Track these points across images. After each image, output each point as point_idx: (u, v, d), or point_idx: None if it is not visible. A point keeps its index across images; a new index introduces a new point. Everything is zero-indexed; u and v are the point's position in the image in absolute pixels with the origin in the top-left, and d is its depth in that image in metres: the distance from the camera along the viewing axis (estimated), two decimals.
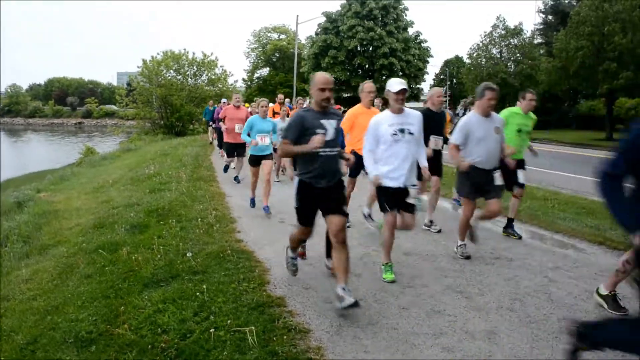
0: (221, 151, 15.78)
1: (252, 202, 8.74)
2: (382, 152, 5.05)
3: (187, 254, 5.71)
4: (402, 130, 5.00)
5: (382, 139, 5.02)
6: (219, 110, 16.33)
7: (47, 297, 5.07)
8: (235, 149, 11.06)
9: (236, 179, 11.51)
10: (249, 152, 8.81)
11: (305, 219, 4.65)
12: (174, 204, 8.47)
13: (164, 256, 5.73)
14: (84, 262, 5.94)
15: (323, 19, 41.76)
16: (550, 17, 47.84)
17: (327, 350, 3.68)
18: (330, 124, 4.45)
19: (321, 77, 4.46)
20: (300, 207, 4.61)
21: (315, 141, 4.29)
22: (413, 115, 5.17)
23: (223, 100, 17.72)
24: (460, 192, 5.97)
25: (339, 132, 4.56)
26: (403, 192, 5.11)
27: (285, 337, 3.82)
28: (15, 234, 8.24)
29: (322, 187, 4.45)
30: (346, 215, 4.58)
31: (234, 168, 11.73)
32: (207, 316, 4.18)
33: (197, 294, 4.61)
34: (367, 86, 6.80)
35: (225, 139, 11.14)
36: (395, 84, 4.98)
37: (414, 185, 5.37)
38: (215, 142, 19.16)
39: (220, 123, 13.83)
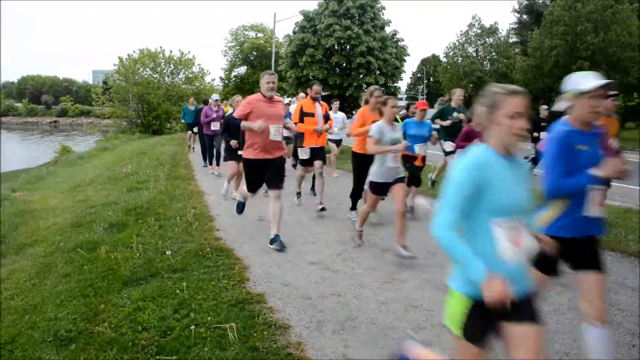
0: (211, 167, 13.01)
1: None
2: None
3: (166, 252, 5.72)
4: None
5: None
6: (208, 110, 12.58)
7: (25, 297, 5.02)
8: (263, 171, 6.29)
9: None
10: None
11: None
12: (152, 202, 8.44)
13: (143, 254, 5.72)
14: (62, 261, 5.89)
15: (300, 18, 41.66)
16: (525, 16, 48.47)
17: (307, 346, 3.73)
18: None
19: None
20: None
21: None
22: None
23: (214, 97, 12.91)
24: None
25: None
26: None
27: (265, 333, 3.86)
28: None
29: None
30: None
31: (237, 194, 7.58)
32: (187, 313, 4.20)
33: (177, 291, 4.63)
34: None
35: (246, 153, 6.29)
36: None
37: None
38: (197, 149, 16.05)
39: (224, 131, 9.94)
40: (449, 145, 8.60)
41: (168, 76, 36.21)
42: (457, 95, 8.91)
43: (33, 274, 5.67)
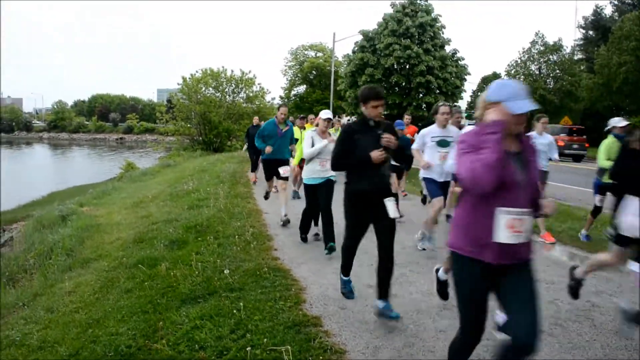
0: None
1: None
2: None
3: (225, 271, 5.76)
4: None
5: None
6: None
7: (89, 310, 5.18)
8: None
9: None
10: None
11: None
12: (211, 220, 8.57)
13: (202, 272, 5.79)
14: (124, 276, 6.06)
15: (360, 37, 41.91)
16: (590, 32, 47.03)
17: None
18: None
19: None
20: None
21: None
22: None
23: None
24: None
25: None
26: None
27: (321, 357, 3.81)
28: (59, 247, 8.47)
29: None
30: None
31: None
32: (243, 334, 4.20)
33: (234, 311, 4.64)
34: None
35: None
36: None
37: None
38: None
39: None
40: None
41: (229, 95, 37.06)
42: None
43: (97, 288, 5.86)
